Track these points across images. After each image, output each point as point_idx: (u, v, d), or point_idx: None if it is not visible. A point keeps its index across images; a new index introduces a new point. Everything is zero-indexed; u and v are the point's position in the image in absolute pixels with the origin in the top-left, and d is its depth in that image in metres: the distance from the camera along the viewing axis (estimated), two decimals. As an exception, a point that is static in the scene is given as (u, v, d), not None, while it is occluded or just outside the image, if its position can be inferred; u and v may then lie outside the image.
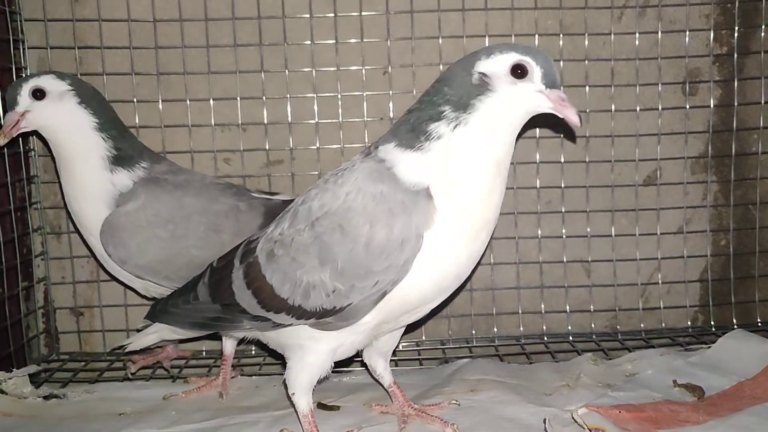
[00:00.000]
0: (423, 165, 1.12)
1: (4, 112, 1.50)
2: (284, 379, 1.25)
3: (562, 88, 1.16)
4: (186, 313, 1.36)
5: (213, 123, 1.78)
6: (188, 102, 1.77)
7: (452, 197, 1.11)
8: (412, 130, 1.15)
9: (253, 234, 1.32)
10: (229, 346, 1.56)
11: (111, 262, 1.50)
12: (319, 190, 1.18)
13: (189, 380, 1.60)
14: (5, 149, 1.64)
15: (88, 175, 1.48)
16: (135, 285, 1.58)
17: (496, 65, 1.13)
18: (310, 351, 1.22)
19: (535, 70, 1.12)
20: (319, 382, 1.25)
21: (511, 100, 1.13)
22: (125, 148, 1.51)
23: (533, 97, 1.13)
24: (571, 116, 1.13)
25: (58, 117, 1.47)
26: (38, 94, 1.45)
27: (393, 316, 1.20)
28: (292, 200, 1.55)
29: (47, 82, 1.46)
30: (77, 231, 1.58)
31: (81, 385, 1.59)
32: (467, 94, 1.12)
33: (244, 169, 1.79)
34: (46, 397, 1.51)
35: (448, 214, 1.11)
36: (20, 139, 1.73)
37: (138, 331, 1.58)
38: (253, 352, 1.82)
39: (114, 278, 1.61)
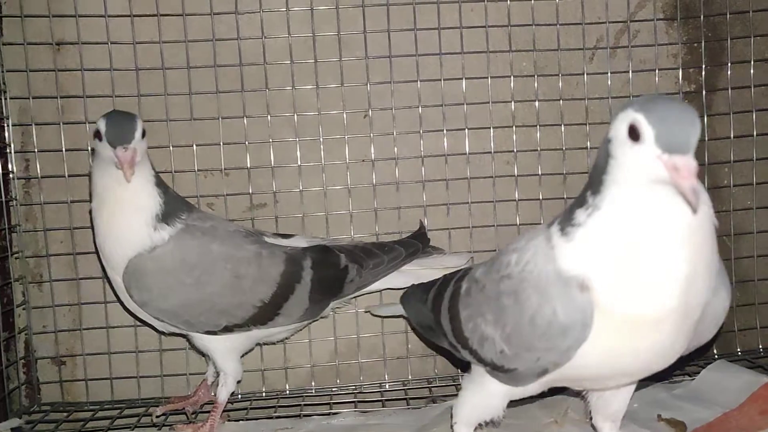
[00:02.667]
0: (574, 253, 1.02)
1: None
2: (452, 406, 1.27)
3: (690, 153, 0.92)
4: (416, 309, 1.43)
5: (196, 168, 1.79)
6: (171, 148, 1.78)
7: (608, 290, 0.99)
8: (568, 210, 1.07)
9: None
10: (224, 392, 1.55)
11: (131, 302, 1.48)
12: (516, 246, 1.13)
13: (174, 427, 1.58)
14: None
15: (135, 230, 1.44)
16: (153, 323, 1.56)
17: (617, 127, 0.98)
18: (484, 389, 1.21)
19: (646, 131, 0.93)
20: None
21: (628, 166, 0.96)
22: (170, 203, 1.48)
23: (650, 163, 0.93)
24: (686, 192, 0.90)
25: (141, 161, 1.42)
26: (143, 134, 1.41)
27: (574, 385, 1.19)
28: (313, 246, 1.61)
29: (142, 124, 1.42)
30: (101, 265, 1.56)
31: (65, 437, 1.57)
32: (599, 168, 1.01)
33: (228, 213, 1.80)
34: (29, 451, 1.49)
35: (608, 308, 1.00)
36: (1, 188, 1.73)
37: None
38: (239, 397, 1.81)
39: (130, 313, 1.59)
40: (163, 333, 1.64)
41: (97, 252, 1.52)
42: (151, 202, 1.46)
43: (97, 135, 1.40)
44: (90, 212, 1.53)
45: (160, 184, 1.49)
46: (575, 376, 1.13)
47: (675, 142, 0.92)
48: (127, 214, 1.45)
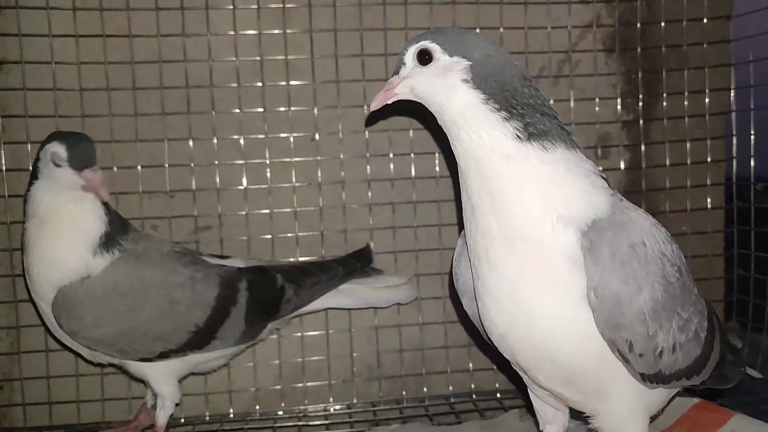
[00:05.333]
0: None
1: None
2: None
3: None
4: None
5: (141, 190, 1.78)
6: (115, 169, 1.77)
7: None
8: None
9: None
10: (162, 416, 1.54)
11: (60, 331, 1.46)
12: None
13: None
14: None
15: (72, 255, 1.43)
16: (84, 353, 1.54)
17: None
18: None
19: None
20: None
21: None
22: (113, 223, 1.48)
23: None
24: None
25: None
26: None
27: None
28: (249, 267, 1.60)
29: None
30: (26, 289, 1.54)
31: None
32: None
33: (172, 235, 1.79)
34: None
35: None
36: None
37: None
38: (183, 421, 1.79)
39: (59, 343, 1.57)
40: (91, 363, 1.62)
41: (24, 274, 1.50)
42: (98, 224, 1.46)
43: (54, 159, 1.39)
44: (22, 234, 1.51)
45: (105, 202, 1.48)
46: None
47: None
48: (70, 236, 1.44)
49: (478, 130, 1.08)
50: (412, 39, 1.14)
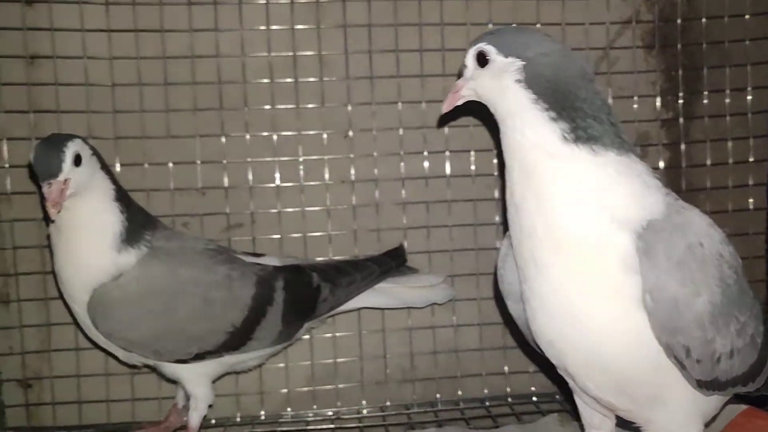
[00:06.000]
0: None
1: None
2: None
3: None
4: None
5: (172, 187, 1.76)
6: (146, 166, 1.74)
7: None
8: None
9: None
10: (195, 417, 1.52)
11: (96, 332, 1.43)
12: None
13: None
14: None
15: (98, 256, 1.39)
16: (119, 354, 1.52)
17: None
18: None
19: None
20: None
21: None
22: (134, 219, 1.44)
23: None
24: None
25: (88, 184, 1.37)
26: (78, 160, 1.34)
27: None
28: (285, 266, 1.56)
29: (80, 146, 1.36)
30: (59, 292, 1.52)
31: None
32: None
33: (204, 233, 1.76)
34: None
35: None
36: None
37: None
38: (213, 422, 1.77)
39: (94, 344, 1.55)
40: (126, 364, 1.59)
41: (55, 278, 1.48)
42: (112, 220, 1.41)
43: None
44: (48, 237, 1.49)
45: (121, 198, 1.44)
46: None
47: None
48: (88, 238, 1.40)
49: (524, 128, 1.07)
50: (473, 41, 1.15)
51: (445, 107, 1.20)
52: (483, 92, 1.14)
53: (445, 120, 1.79)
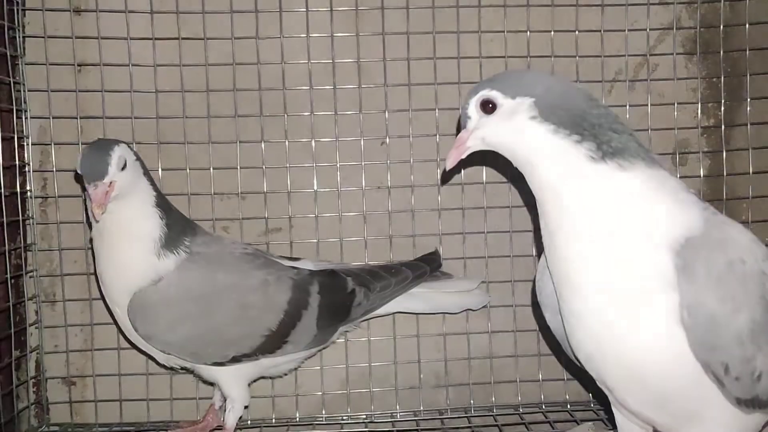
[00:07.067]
0: None
1: None
2: None
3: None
4: None
5: (213, 192, 1.79)
6: (188, 170, 1.78)
7: None
8: None
9: None
10: (232, 418, 1.54)
11: (135, 334, 1.47)
12: None
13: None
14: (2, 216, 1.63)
15: (138, 260, 1.43)
16: (158, 357, 1.56)
17: None
18: None
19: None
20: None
21: None
22: (173, 225, 1.47)
23: None
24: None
25: (131, 188, 1.41)
26: (123, 164, 1.38)
27: None
28: (320, 270, 1.58)
29: (125, 151, 1.40)
30: (100, 294, 1.56)
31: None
32: None
33: (243, 237, 1.79)
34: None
35: None
36: (18, 207, 1.74)
37: None
38: (249, 423, 1.80)
39: (133, 346, 1.59)
40: (164, 366, 1.63)
41: (97, 280, 1.53)
42: (152, 225, 1.45)
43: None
44: (90, 240, 1.53)
45: (161, 204, 1.48)
46: None
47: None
48: (129, 242, 1.44)
49: (552, 159, 1.07)
50: (471, 91, 1.14)
51: (450, 162, 1.18)
52: (495, 139, 1.12)
53: (451, 174, 1.79)
